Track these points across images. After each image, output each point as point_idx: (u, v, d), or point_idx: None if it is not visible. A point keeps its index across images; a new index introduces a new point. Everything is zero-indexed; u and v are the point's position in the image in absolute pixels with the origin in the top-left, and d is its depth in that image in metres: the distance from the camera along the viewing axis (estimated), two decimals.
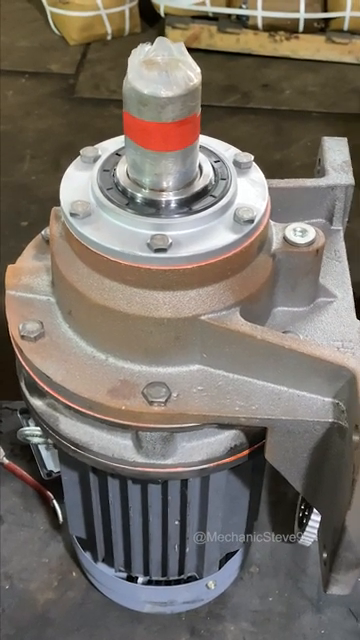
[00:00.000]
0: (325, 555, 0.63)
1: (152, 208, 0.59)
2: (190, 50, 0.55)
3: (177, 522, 0.73)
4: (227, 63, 3.24)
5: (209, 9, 3.28)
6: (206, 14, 3.32)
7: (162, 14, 3.44)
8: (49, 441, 0.78)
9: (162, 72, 0.53)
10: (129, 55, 0.55)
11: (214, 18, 3.34)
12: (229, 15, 3.33)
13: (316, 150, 0.78)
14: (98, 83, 3.32)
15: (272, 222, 0.64)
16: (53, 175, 2.77)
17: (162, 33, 2.95)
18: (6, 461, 0.98)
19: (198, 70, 0.54)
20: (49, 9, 3.54)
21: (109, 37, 3.57)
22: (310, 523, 0.80)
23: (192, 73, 0.54)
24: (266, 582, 0.90)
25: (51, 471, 0.96)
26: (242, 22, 2.98)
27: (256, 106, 2.31)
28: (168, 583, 0.83)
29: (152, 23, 3.61)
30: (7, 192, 2.72)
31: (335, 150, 0.76)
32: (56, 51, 3.50)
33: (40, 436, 0.81)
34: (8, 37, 3.53)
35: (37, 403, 0.67)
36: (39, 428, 0.75)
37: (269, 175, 0.66)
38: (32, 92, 3.24)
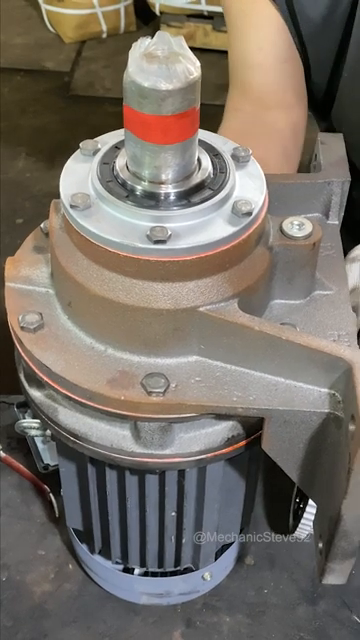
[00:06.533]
0: (321, 545, 0.63)
1: (151, 200, 0.59)
2: None
3: (174, 513, 0.74)
4: (222, 62, 3.24)
5: (204, 7, 3.29)
6: (201, 12, 3.34)
7: (157, 12, 3.45)
8: (47, 433, 0.78)
9: (162, 65, 0.54)
10: (124, 53, 0.56)
11: (209, 17, 3.35)
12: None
13: (309, 148, 0.79)
14: (93, 81, 3.33)
15: (269, 216, 0.65)
16: (48, 172, 2.78)
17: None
18: (3, 455, 0.98)
19: (198, 64, 0.55)
20: (44, 7, 3.55)
21: (104, 35, 3.58)
22: (305, 515, 0.81)
23: (192, 66, 0.55)
24: (261, 574, 0.90)
25: (47, 464, 0.97)
26: None
27: None
28: (164, 574, 0.84)
29: (147, 21, 3.62)
30: (2, 189, 2.72)
31: (331, 145, 0.76)
32: (51, 49, 3.51)
33: (38, 428, 0.81)
34: (3, 34, 3.54)
35: (36, 394, 0.68)
36: (37, 420, 0.76)
37: None
38: (27, 90, 3.24)
